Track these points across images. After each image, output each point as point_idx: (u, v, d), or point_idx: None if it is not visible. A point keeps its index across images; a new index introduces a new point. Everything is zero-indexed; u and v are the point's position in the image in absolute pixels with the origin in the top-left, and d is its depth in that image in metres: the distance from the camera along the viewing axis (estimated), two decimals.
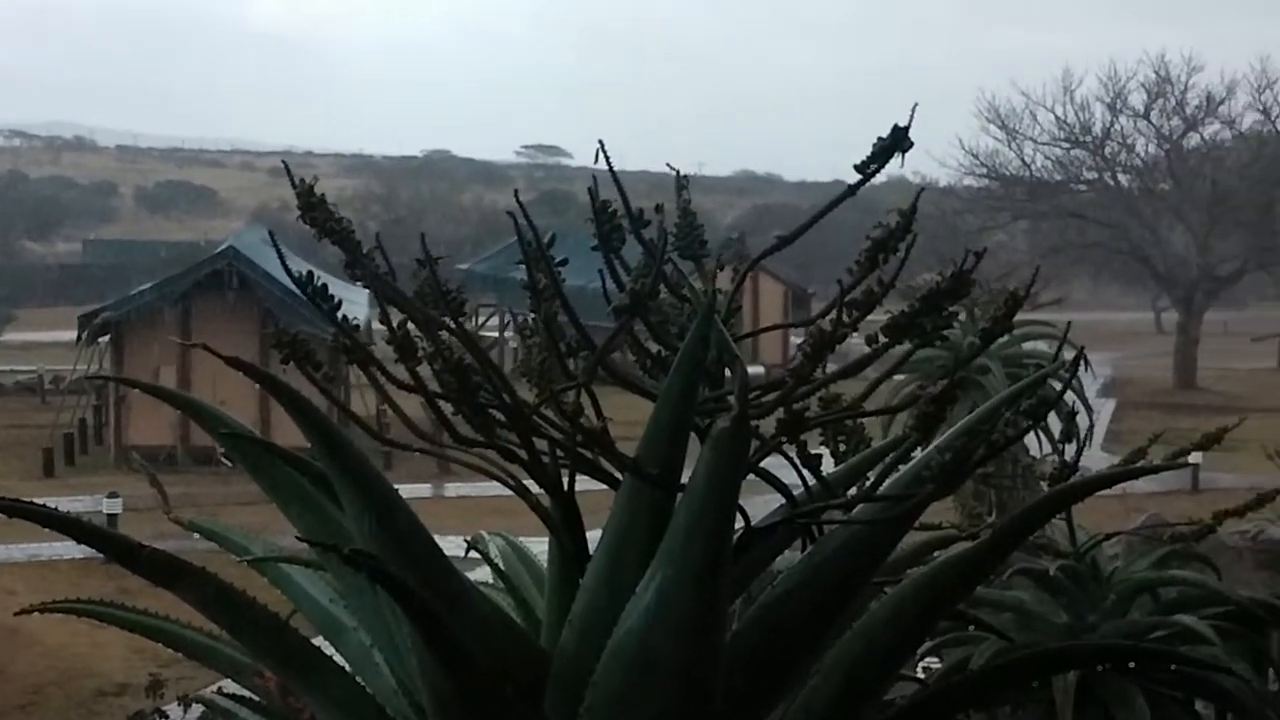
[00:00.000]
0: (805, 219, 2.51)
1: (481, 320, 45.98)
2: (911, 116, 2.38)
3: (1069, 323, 10.05)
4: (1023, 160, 51.25)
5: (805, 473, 2.39)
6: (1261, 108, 50.79)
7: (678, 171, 2.56)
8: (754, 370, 2.35)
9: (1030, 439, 10.17)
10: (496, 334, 44.41)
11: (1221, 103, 50.60)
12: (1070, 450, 9.90)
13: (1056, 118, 50.49)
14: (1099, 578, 5.62)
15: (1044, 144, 51.04)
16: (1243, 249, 50.14)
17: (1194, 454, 20.26)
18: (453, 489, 24.90)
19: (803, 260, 50.80)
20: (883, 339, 2.24)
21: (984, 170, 51.57)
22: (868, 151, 2.35)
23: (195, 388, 24.30)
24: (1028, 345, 12.13)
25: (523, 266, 2.34)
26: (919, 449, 2.38)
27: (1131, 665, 5.12)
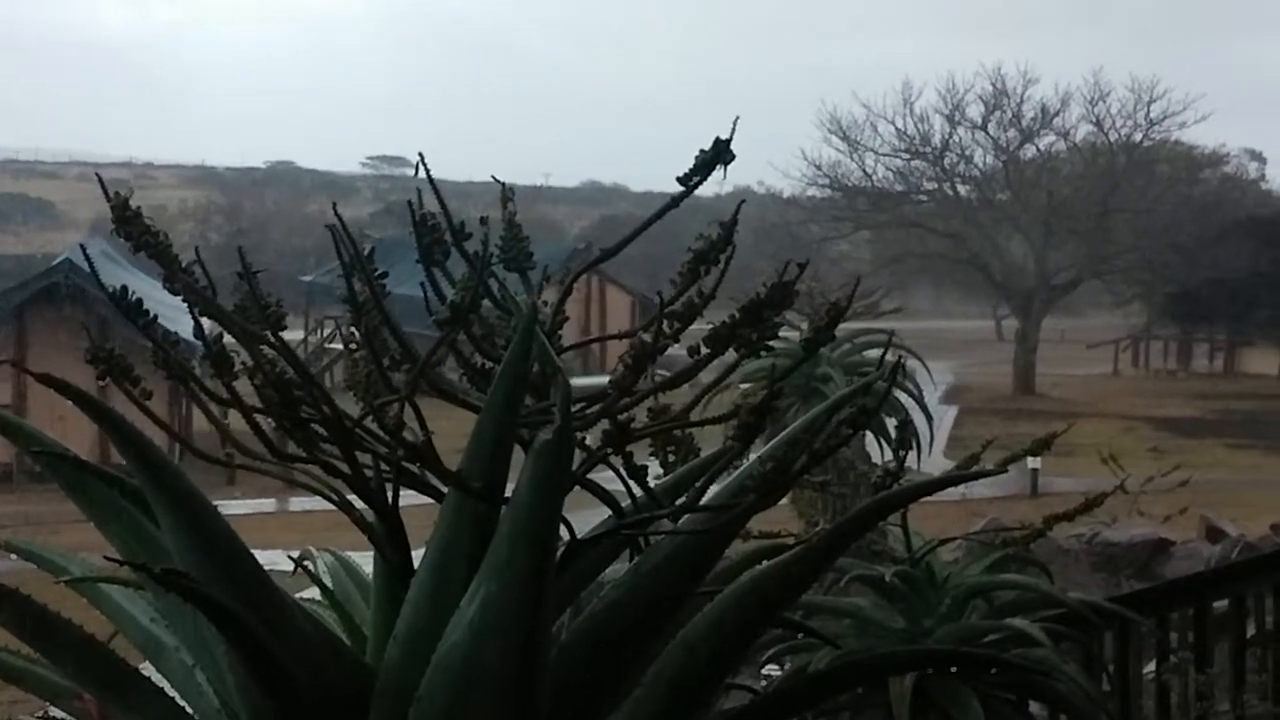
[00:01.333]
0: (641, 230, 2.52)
1: (326, 333, 45.51)
2: (733, 130, 2.40)
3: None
4: (864, 171, 52.02)
5: (632, 484, 2.40)
6: (1094, 120, 52.08)
7: (503, 184, 2.55)
8: (598, 381, 2.36)
9: (876, 447, 10.34)
10: (341, 346, 43.90)
11: (1056, 115, 51.82)
12: (911, 457, 10.08)
13: (897, 129, 51.34)
14: (934, 583, 5.70)
15: (885, 155, 51.86)
16: (1078, 258, 51.30)
17: (1032, 459, 20.76)
18: (297, 504, 24.59)
19: (652, 270, 51.03)
20: (704, 350, 2.26)
21: (827, 181, 52.22)
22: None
23: (32, 404, 23.76)
24: (872, 353, 12.28)
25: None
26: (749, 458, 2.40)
27: (955, 669, 5.19)
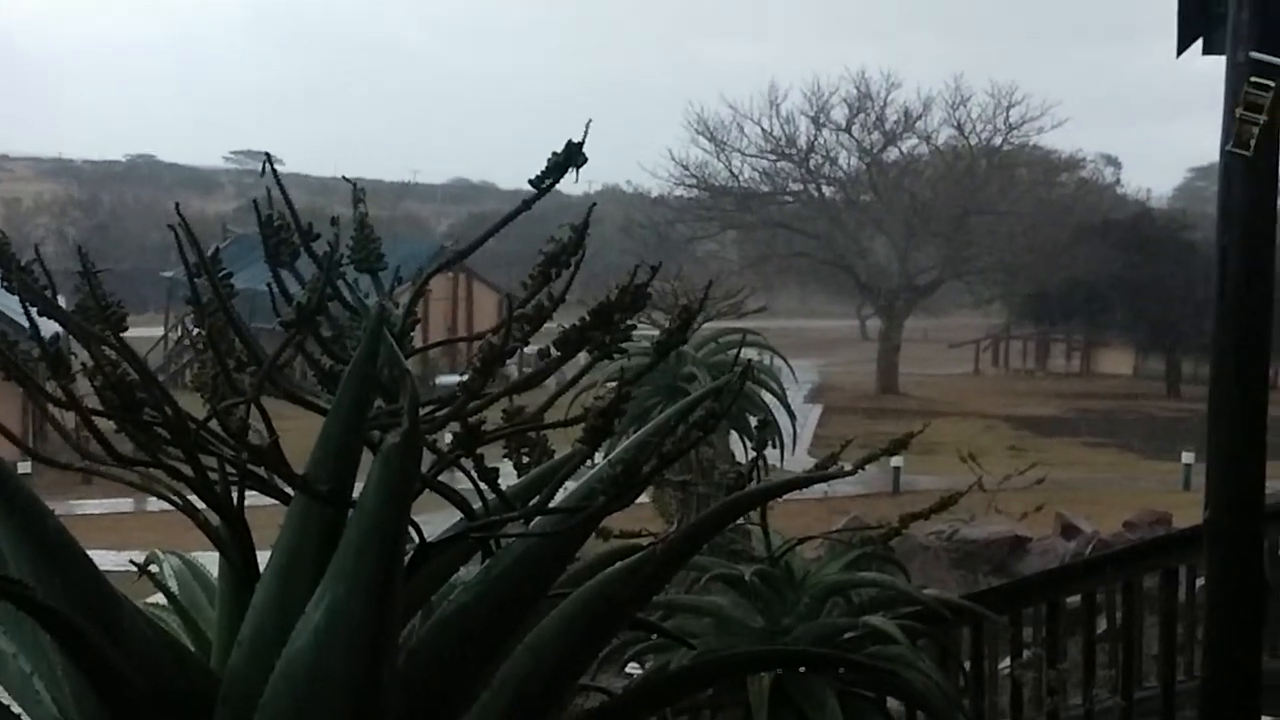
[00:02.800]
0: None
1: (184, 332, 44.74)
2: (585, 133, 2.39)
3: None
4: (731, 171, 52.32)
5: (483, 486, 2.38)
6: (955, 124, 52.85)
7: (354, 183, 2.52)
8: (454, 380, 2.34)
9: (742, 446, 10.37)
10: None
11: (918, 118, 52.51)
12: (775, 455, 10.13)
13: (763, 130, 51.69)
14: (793, 582, 5.74)
15: (751, 156, 52.18)
16: (940, 259, 52.02)
17: (894, 457, 21.01)
18: (156, 503, 24.13)
19: (525, 268, 50.83)
20: (555, 352, 2.25)
21: (694, 181, 52.44)
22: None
23: None
24: (744, 352, 12.34)
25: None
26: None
27: (803, 669, 5.23)
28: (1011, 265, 51.54)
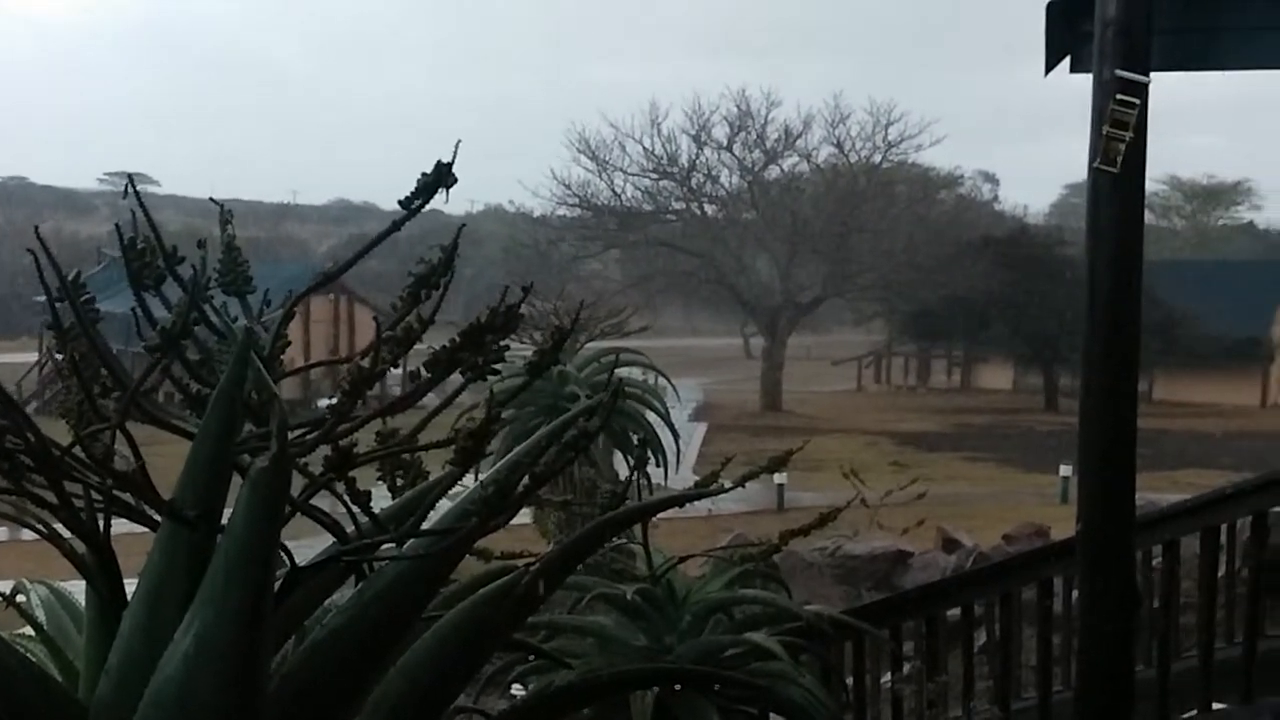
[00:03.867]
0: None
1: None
2: (455, 153, 2.39)
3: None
4: (613, 190, 52.48)
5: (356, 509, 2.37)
6: (835, 142, 53.44)
7: (221, 205, 2.50)
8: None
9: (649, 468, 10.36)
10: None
11: (799, 137, 53.03)
12: (660, 473, 10.12)
13: (645, 149, 51.92)
14: (675, 600, 5.76)
15: (633, 175, 52.41)
16: (821, 276, 52.50)
17: (779, 474, 21.02)
18: (29, 533, 23.67)
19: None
20: (425, 374, 2.24)
21: (576, 200, 52.53)
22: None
23: None
24: (621, 372, 12.36)
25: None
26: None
27: (693, 685, 5.24)
28: (892, 282, 52.12)
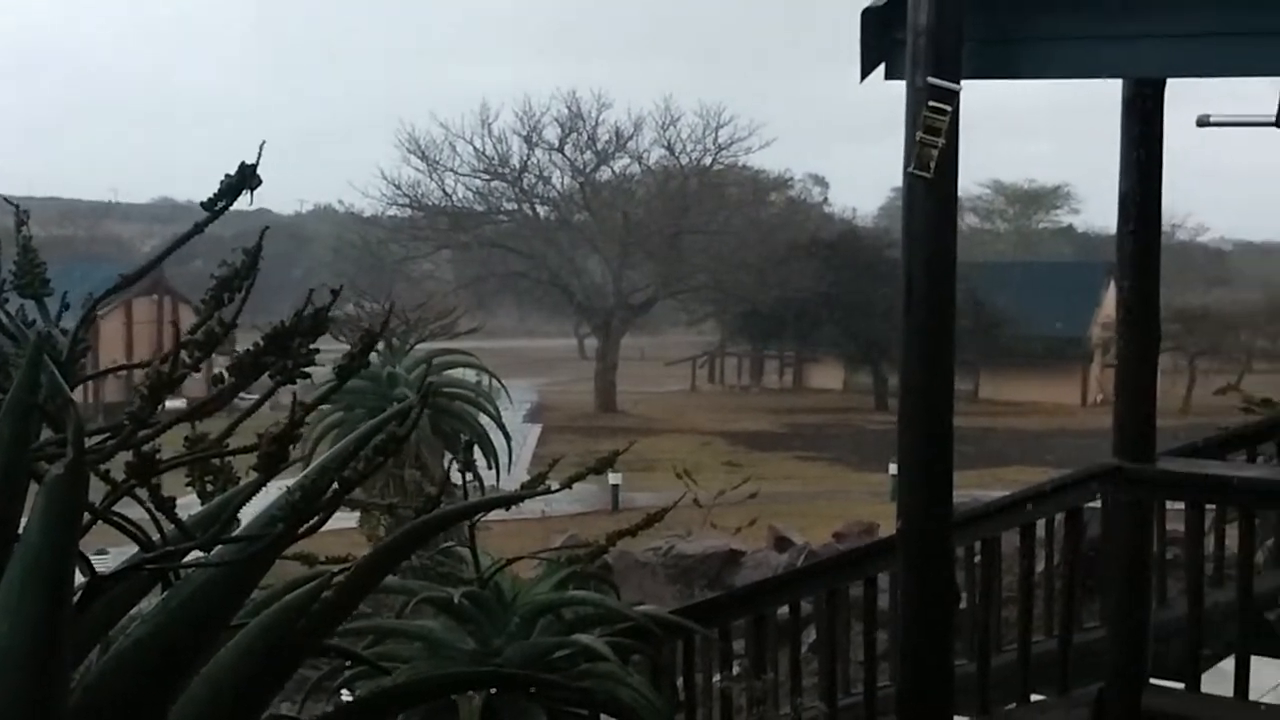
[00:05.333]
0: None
1: None
2: (259, 154, 2.36)
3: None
4: (444, 191, 52.22)
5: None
6: (666, 144, 53.73)
7: (16, 205, 2.44)
8: (175, 406, 2.27)
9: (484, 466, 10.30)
10: None
11: (630, 138, 53.25)
12: (492, 475, 10.04)
13: (476, 150, 51.75)
14: (503, 602, 5.75)
15: (465, 175, 52.22)
16: (654, 277, 52.76)
17: (613, 475, 21.10)
18: None
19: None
20: (229, 378, 2.21)
21: (407, 200, 52.18)
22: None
23: None
24: (455, 373, 12.30)
25: None
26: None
27: (512, 689, 5.24)
28: (724, 283, 52.55)
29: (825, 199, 70.29)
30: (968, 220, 79.28)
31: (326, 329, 2.37)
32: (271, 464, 2.09)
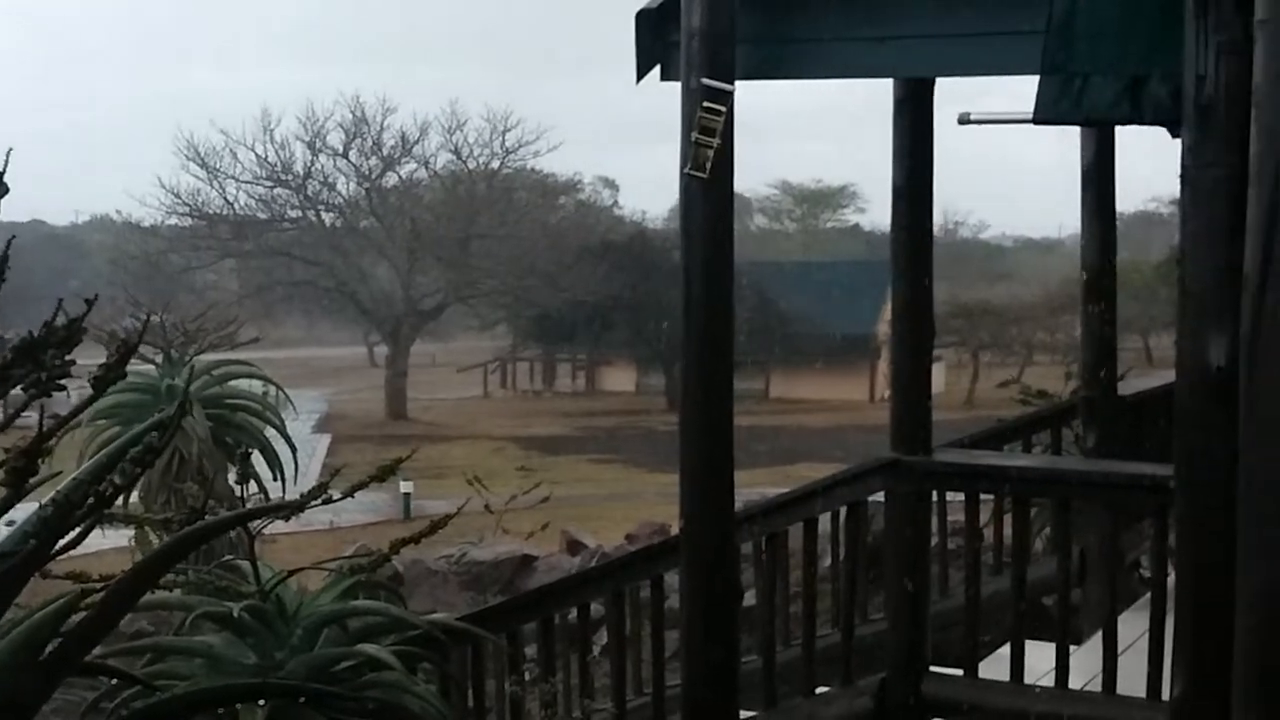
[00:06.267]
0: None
1: None
2: (6, 161, 2.29)
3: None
4: (226, 199, 51.19)
5: None
6: (453, 148, 53.39)
7: None
8: None
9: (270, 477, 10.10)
10: None
11: (416, 143, 52.76)
12: (277, 488, 9.87)
13: (258, 156, 50.83)
14: (285, 615, 5.66)
15: (247, 182, 51.21)
16: (444, 283, 52.41)
17: (405, 483, 20.96)
18: None
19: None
20: None
21: (187, 209, 51.07)
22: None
23: None
24: (241, 384, 12.05)
25: None
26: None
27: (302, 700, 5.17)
28: (515, 287, 52.45)
29: (616, 201, 70.58)
30: (756, 221, 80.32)
31: (80, 340, 2.31)
32: (19, 479, 2.03)
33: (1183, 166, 3.91)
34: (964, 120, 6.54)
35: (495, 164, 53.72)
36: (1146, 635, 6.50)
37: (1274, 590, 2.38)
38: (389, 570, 15.81)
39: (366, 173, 52.42)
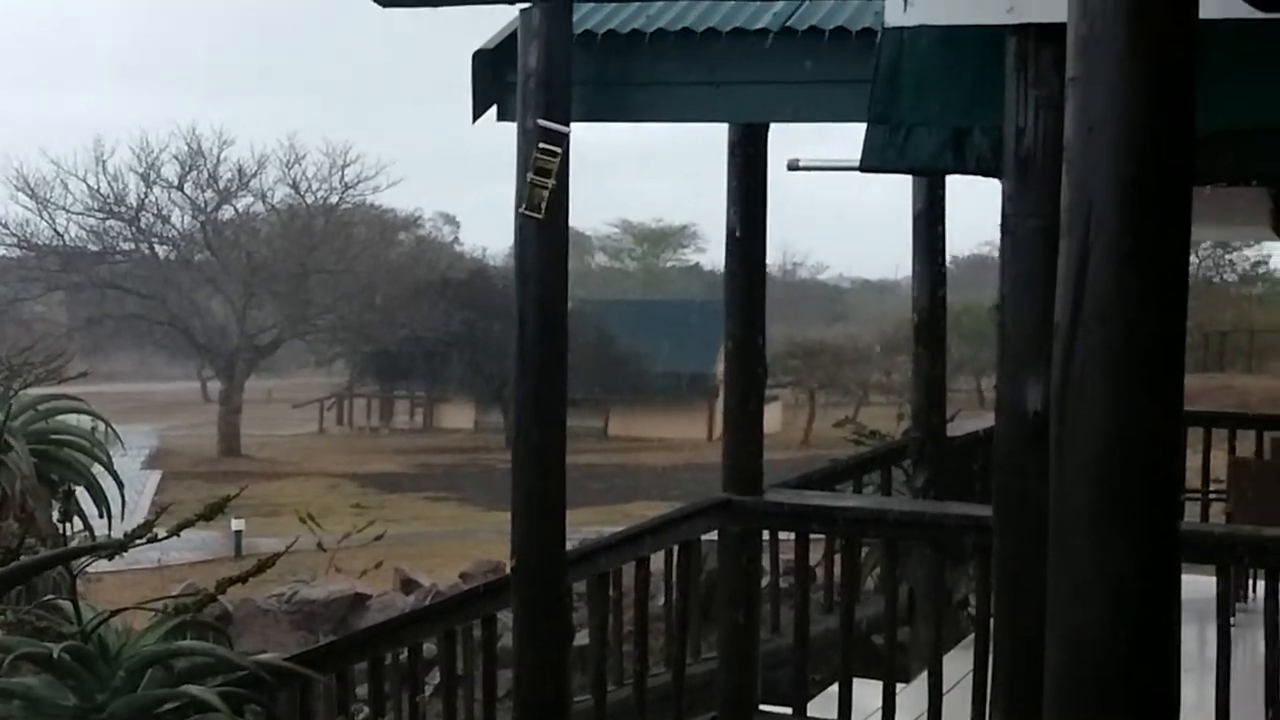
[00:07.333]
0: None
1: None
2: None
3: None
4: (56, 230, 50.11)
5: None
6: (291, 182, 52.88)
7: None
8: None
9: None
10: None
11: (253, 176, 52.16)
12: (104, 525, 9.66)
13: (89, 187, 49.86)
14: (107, 656, 5.57)
15: (78, 214, 50.17)
16: (280, 318, 51.81)
17: (236, 520, 20.62)
18: None
19: None
20: None
21: (15, 239, 49.92)
22: None
23: None
24: (69, 419, 11.80)
25: None
26: None
27: None
28: (353, 323, 52.02)
29: (456, 238, 70.46)
30: (597, 259, 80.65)
31: None
32: None
33: (1003, 216, 4.03)
34: (793, 166, 6.66)
35: (334, 199, 53.33)
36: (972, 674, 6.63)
37: (1082, 633, 2.45)
38: (217, 609, 15.57)
39: (202, 205, 51.67)
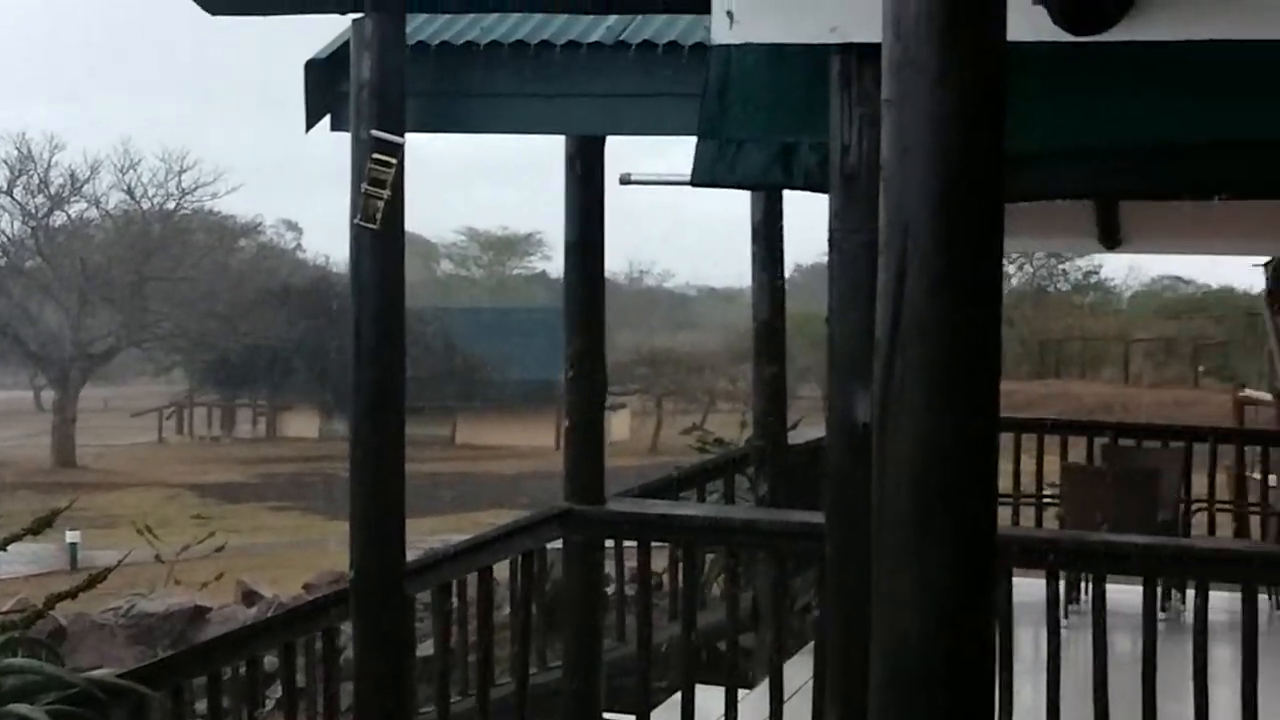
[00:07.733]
0: None
1: None
2: None
3: None
4: None
5: None
6: (126, 188, 51.96)
7: None
8: None
9: None
10: None
11: (86, 182, 51.19)
12: None
13: None
14: None
15: None
16: (116, 326, 50.84)
17: (71, 532, 20.30)
18: None
19: None
20: None
21: None
22: None
23: None
24: None
25: None
26: None
27: None
28: (192, 331, 51.21)
29: (299, 244, 69.61)
30: (443, 266, 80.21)
31: None
32: None
33: (830, 231, 4.11)
34: (625, 181, 6.70)
35: (171, 205, 52.50)
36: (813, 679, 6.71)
37: (901, 642, 2.51)
38: (51, 625, 15.24)
39: (33, 211, 50.59)
